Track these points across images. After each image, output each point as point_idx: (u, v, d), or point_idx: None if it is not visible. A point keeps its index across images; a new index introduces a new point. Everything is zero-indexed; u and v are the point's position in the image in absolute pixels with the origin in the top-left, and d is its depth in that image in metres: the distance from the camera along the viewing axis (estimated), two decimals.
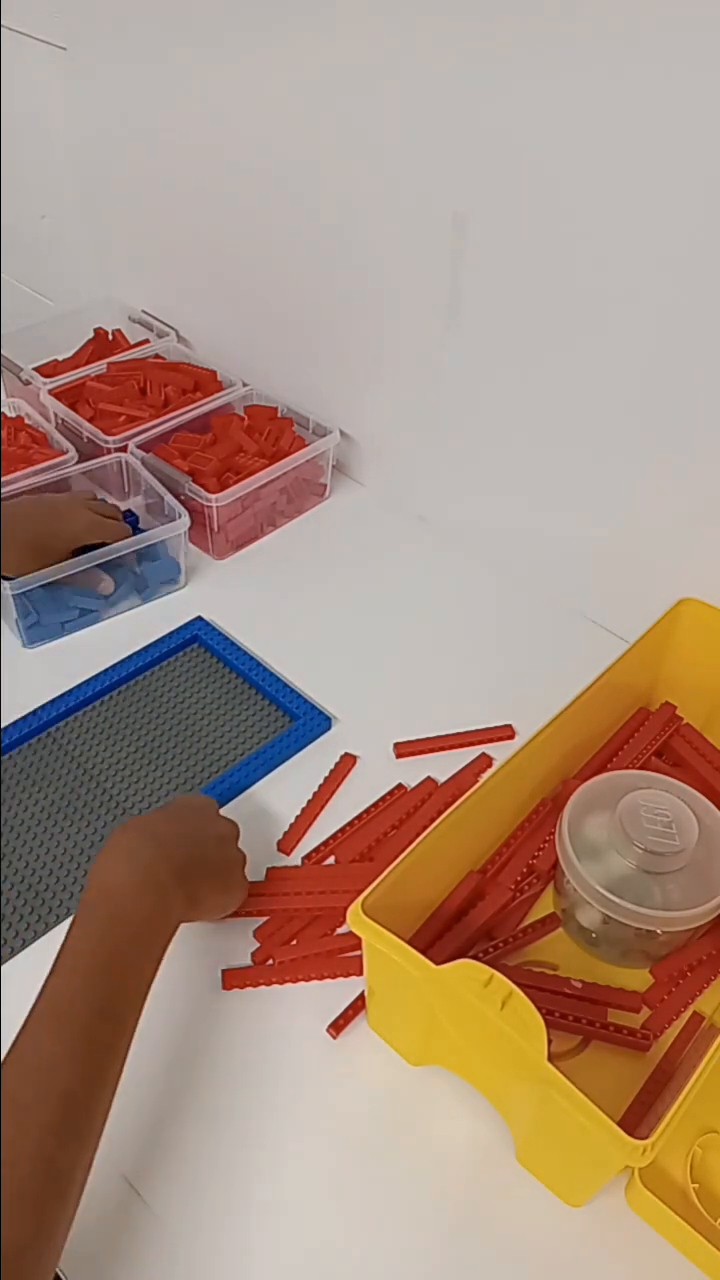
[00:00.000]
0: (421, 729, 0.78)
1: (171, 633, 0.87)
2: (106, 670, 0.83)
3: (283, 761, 0.76)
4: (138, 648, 0.85)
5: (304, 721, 0.79)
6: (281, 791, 0.74)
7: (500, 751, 0.77)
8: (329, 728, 0.79)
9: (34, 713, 0.79)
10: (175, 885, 0.55)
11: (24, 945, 0.65)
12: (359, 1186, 0.55)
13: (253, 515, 0.96)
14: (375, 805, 0.73)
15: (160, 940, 0.54)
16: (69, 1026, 0.48)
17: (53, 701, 0.80)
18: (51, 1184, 0.44)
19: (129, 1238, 0.53)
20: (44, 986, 0.49)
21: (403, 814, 0.72)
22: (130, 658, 0.84)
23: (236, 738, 0.79)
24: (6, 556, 0.81)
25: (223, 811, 0.66)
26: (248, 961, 0.64)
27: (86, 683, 0.81)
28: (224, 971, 0.63)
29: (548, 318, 0.77)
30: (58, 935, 0.62)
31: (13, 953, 0.64)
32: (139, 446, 0.96)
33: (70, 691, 0.81)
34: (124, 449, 0.96)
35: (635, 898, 0.59)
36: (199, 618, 0.88)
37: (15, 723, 0.78)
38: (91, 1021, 0.48)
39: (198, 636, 0.86)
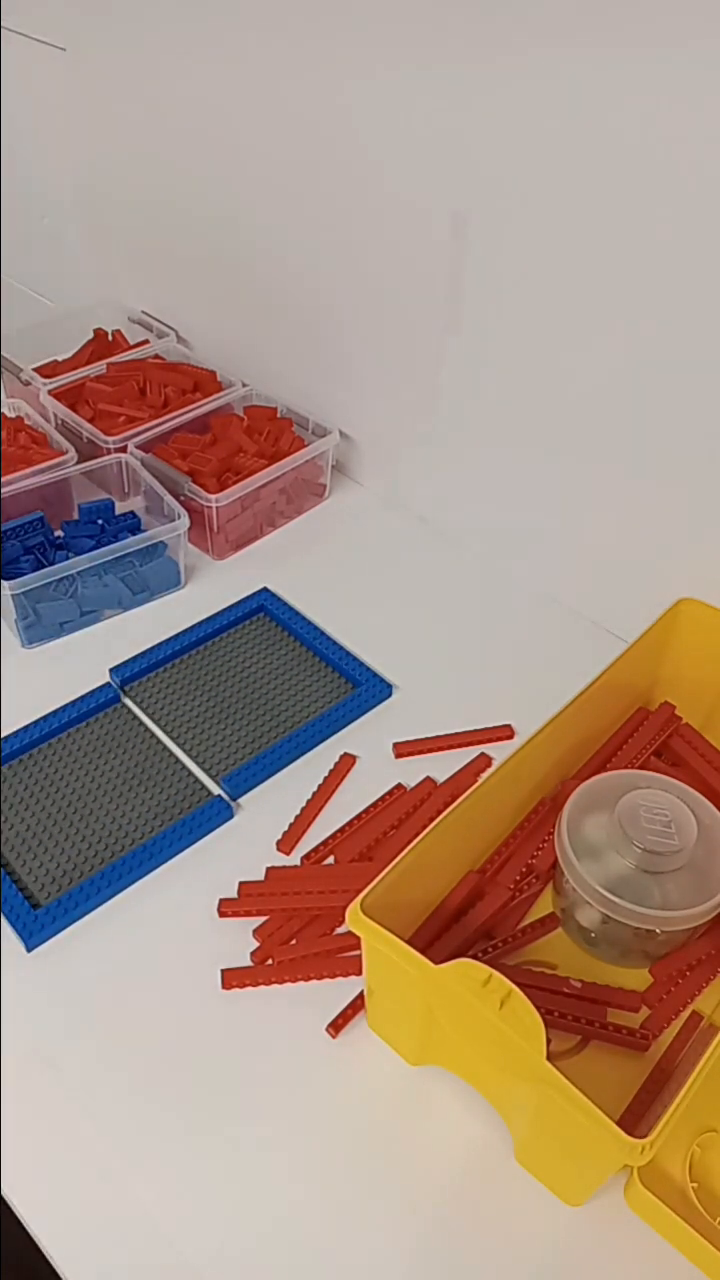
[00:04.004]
0: (421, 729, 0.78)
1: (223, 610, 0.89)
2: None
3: (346, 725, 0.79)
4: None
5: (366, 688, 0.81)
6: (282, 791, 0.74)
7: (499, 751, 0.77)
8: (390, 694, 0.81)
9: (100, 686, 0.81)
10: None
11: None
12: (358, 1186, 0.55)
13: (252, 515, 0.97)
14: (375, 805, 0.73)
15: None
16: None
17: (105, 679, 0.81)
18: None
19: (124, 1237, 0.53)
20: None
21: (402, 814, 0.72)
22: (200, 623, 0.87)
23: (301, 701, 0.82)
24: None
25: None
26: (247, 961, 0.64)
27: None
28: (224, 971, 0.63)
29: (547, 317, 0.77)
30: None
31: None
32: (139, 447, 0.96)
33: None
34: (124, 449, 0.96)
35: (634, 897, 0.59)
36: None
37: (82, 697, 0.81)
38: None
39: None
